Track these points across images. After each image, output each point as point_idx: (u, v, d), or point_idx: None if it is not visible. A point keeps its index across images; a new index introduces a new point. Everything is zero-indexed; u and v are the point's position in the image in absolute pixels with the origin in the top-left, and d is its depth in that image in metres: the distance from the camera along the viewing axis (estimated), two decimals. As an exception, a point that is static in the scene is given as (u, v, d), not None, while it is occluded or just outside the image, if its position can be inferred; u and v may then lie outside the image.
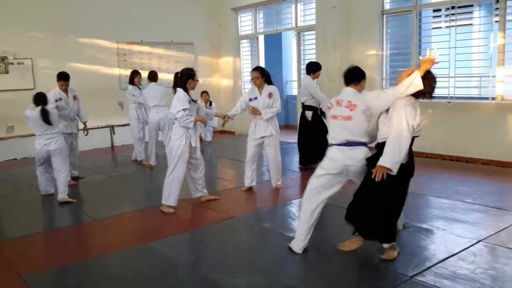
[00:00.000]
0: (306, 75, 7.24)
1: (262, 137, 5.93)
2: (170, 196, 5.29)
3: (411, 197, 5.44)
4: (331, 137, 3.96)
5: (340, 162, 3.84)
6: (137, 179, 7.40)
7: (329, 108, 4.05)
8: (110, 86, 10.45)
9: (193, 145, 5.32)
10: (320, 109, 7.11)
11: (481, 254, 3.81)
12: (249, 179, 6.13)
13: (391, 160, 3.45)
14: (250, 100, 5.86)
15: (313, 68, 7.14)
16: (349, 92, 3.95)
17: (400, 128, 3.47)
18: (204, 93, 10.50)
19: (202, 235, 4.72)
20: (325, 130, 6.81)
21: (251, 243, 4.41)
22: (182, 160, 5.24)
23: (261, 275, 3.63)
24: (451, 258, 3.73)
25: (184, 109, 5.12)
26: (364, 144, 3.88)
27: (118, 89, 10.56)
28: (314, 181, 3.96)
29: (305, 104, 7.24)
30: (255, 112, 5.82)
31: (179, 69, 5.43)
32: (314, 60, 9.50)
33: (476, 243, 4.01)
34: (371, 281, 3.49)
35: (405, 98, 3.54)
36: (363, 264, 3.77)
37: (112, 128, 10.44)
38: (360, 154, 3.80)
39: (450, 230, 4.46)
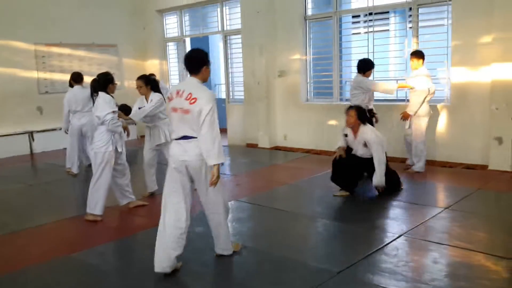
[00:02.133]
0: (357, 73, 6.65)
1: (158, 145, 5.95)
2: (96, 204, 5.09)
3: (335, 198, 5.67)
4: (172, 132, 3.76)
5: (177, 157, 3.63)
6: (58, 187, 7.04)
7: (169, 99, 3.68)
8: (28, 90, 9.87)
9: (119, 150, 5.19)
10: (370, 110, 6.38)
11: (403, 248, 4.03)
12: (151, 184, 6.09)
13: None
14: (139, 108, 5.86)
15: (363, 66, 6.57)
16: (192, 83, 3.66)
17: None
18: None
19: (131, 242, 4.61)
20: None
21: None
22: (109, 166, 5.08)
23: (193, 279, 3.62)
24: (375, 253, 3.91)
25: (113, 112, 5.00)
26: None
27: (36, 93, 10.02)
28: (166, 183, 3.75)
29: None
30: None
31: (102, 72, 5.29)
32: (240, 62, 9.60)
33: (398, 237, 4.24)
34: (300, 279, 3.56)
35: None
36: (292, 263, 3.85)
37: (31, 134, 9.87)
38: (196, 148, 3.56)
39: (374, 225, 4.68)
